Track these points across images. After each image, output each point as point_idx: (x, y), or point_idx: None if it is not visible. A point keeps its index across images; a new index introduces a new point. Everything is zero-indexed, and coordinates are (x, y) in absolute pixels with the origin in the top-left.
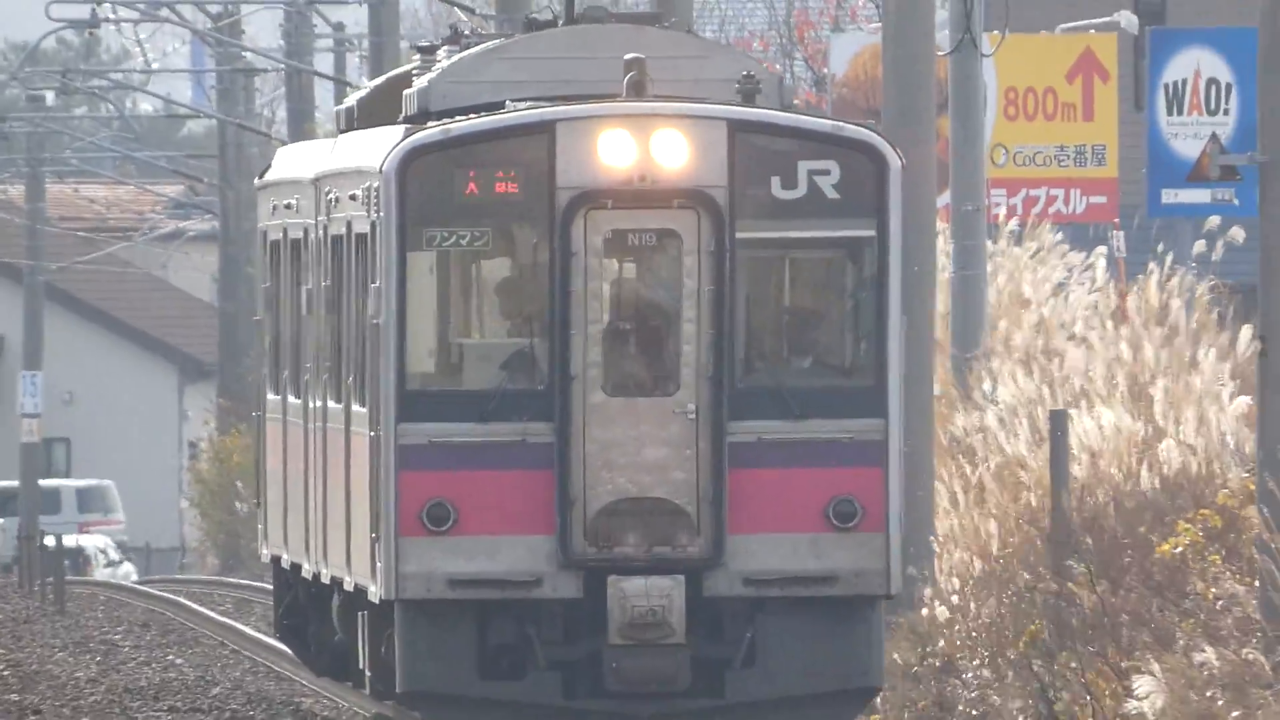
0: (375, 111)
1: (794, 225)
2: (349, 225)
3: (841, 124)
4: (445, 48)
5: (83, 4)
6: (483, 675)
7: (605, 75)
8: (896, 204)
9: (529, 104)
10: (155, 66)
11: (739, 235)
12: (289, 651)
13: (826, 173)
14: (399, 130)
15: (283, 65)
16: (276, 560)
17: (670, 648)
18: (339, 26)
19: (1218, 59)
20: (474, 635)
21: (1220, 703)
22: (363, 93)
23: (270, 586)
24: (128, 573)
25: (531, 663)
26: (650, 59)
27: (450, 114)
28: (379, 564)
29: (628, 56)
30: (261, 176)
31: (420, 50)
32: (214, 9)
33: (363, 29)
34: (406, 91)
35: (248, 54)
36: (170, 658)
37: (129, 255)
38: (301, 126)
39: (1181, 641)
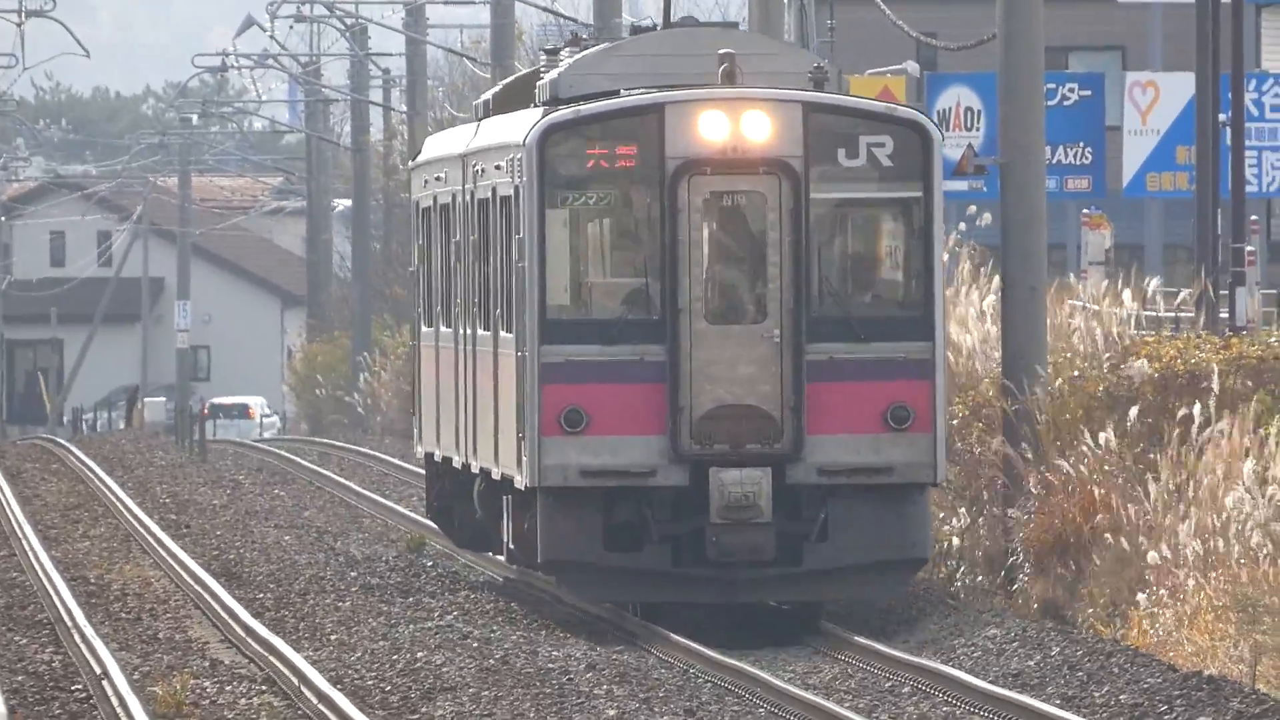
0: (507, 103)
1: (857, 187)
2: (494, 190)
3: (894, 106)
4: (567, 49)
5: (216, 55)
6: (607, 547)
7: (699, 69)
8: (938, 170)
9: (640, 91)
10: (264, 98)
11: (813, 195)
12: (434, 526)
13: (882, 145)
14: (538, 112)
15: (348, 96)
16: (430, 456)
17: (760, 525)
18: (386, 71)
19: (972, 94)
20: (600, 515)
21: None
22: (496, 89)
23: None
24: (274, 422)
25: (647, 538)
26: (738, 54)
27: (576, 100)
28: (524, 458)
29: (720, 51)
30: (413, 160)
31: (546, 52)
32: (303, 59)
33: (401, 72)
34: (539, 82)
35: (325, 89)
36: (276, 491)
37: (247, 224)
38: (359, 138)
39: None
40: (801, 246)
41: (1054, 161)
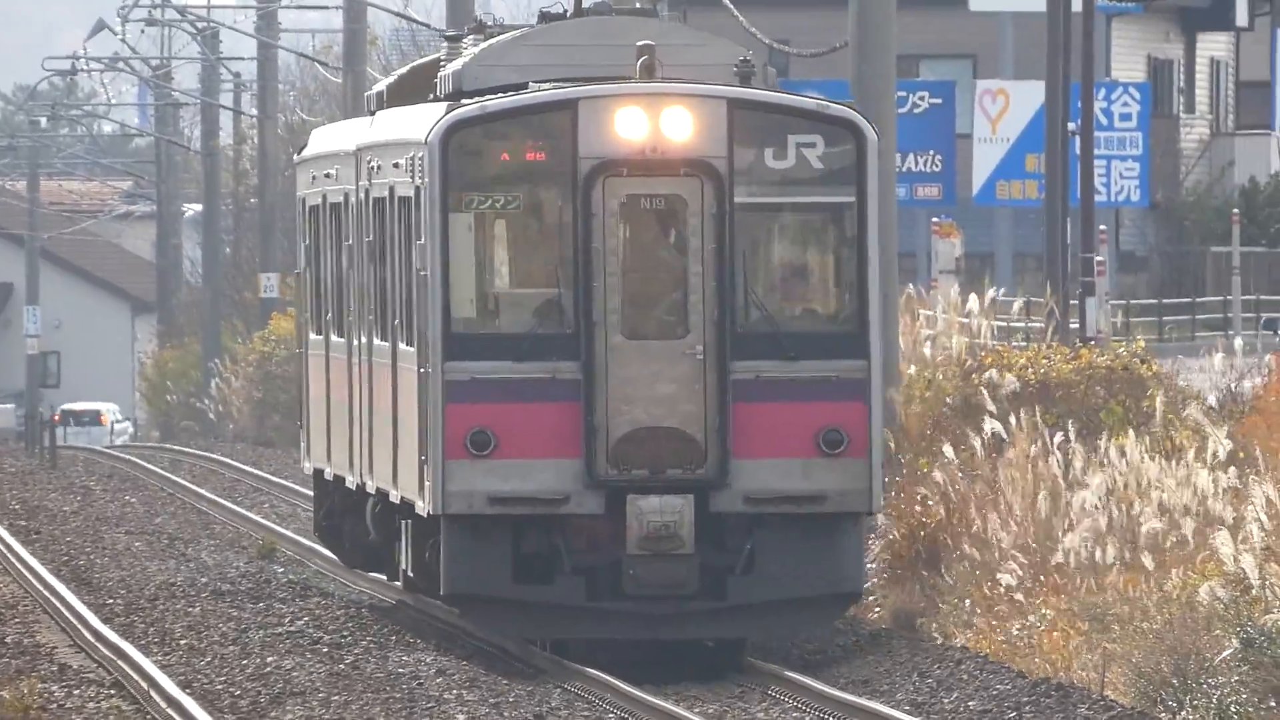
0: (403, 94)
1: (785, 191)
2: (391, 190)
3: (826, 103)
4: (471, 36)
5: (66, 58)
6: (516, 580)
7: (615, 60)
8: (873, 173)
9: (552, 84)
10: (114, 101)
11: (737, 200)
12: (326, 551)
13: (813, 145)
14: (441, 107)
15: (199, 100)
16: (319, 473)
17: (681, 557)
18: (237, 75)
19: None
20: (509, 545)
21: None
22: (390, 80)
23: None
24: (126, 428)
25: (559, 569)
26: (658, 45)
27: (481, 93)
28: (428, 483)
29: (639, 43)
30: (299, 153)
31: (448, 39)
32: (154, 63)
33: (252, 76)
34: (441, 73)
35: (176, 93)
36: (127, 497)
37: (97, 229)
38: (210, 142)
39: None
40: (726, 255)
41: (904, 169)
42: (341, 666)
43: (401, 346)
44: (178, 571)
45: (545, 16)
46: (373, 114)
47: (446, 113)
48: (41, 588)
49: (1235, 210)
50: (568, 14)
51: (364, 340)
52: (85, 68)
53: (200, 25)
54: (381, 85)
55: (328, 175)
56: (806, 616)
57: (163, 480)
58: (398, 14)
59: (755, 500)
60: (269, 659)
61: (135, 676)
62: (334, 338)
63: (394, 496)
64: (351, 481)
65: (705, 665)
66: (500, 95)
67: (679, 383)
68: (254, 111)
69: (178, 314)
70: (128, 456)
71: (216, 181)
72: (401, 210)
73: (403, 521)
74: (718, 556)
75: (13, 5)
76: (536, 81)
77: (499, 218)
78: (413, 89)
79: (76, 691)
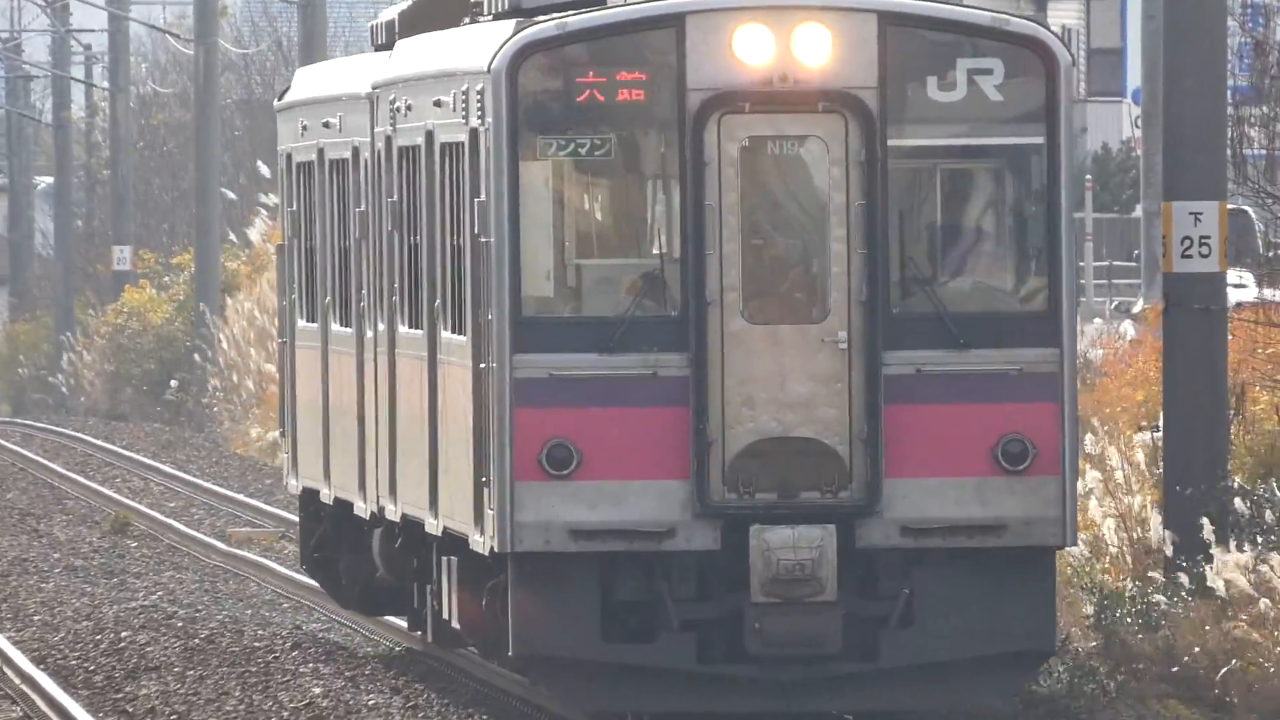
0: (425, 21)
1: (953, 131)
2: (429, 135)
3: (1005, 16)
4: None
5: None
6: (607, 637)
7: None
8: (1068, 107)
9: None
10: None
11: (891, 143)
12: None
13: (989, 72)
14: (504, 26)
15: (50, 73)
16: (312, 494)
17: (820, 605)
18: (88, 47)
19: None
20: (598, 593)
21: None
22: (402, 6)
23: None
24: None
25: (663, 623)
26: None
27: (546, 11)
28: (490, 511)
29: None
30: (281, 98)
31: None
32: (3, 35)
33: (104, 48)
34: None
35: (26, 65)
36: None
37: None
38: (61, 115)
39: None
40: (877, 215)
41: None
42: (196, 641)
43: (445, 335)
44: (30, 547)
45: None
46: (387, 47)
47: (515, 32)
48: None
49: (1088, 177)
50: None
51: (383, 328)
52: None
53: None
54: (392, 13)
55: (326, 124)
56: (984, 682)
57: (14, 455)
58: None
59: (915, 531)
60: (124, 634)
61: None
62: (335, 326)
63: (432, 527)
64: (363, 507)
65: None
66: (580, 11)
67: (816, 380)
68: (106, 84)
69: (30, 287)
70: None
71: (68, 154)
72: (448, 161)
73: (445, 559)
74: (867, 605)
75: None
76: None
77: (585, 168)
78: (437, 14)
79: None
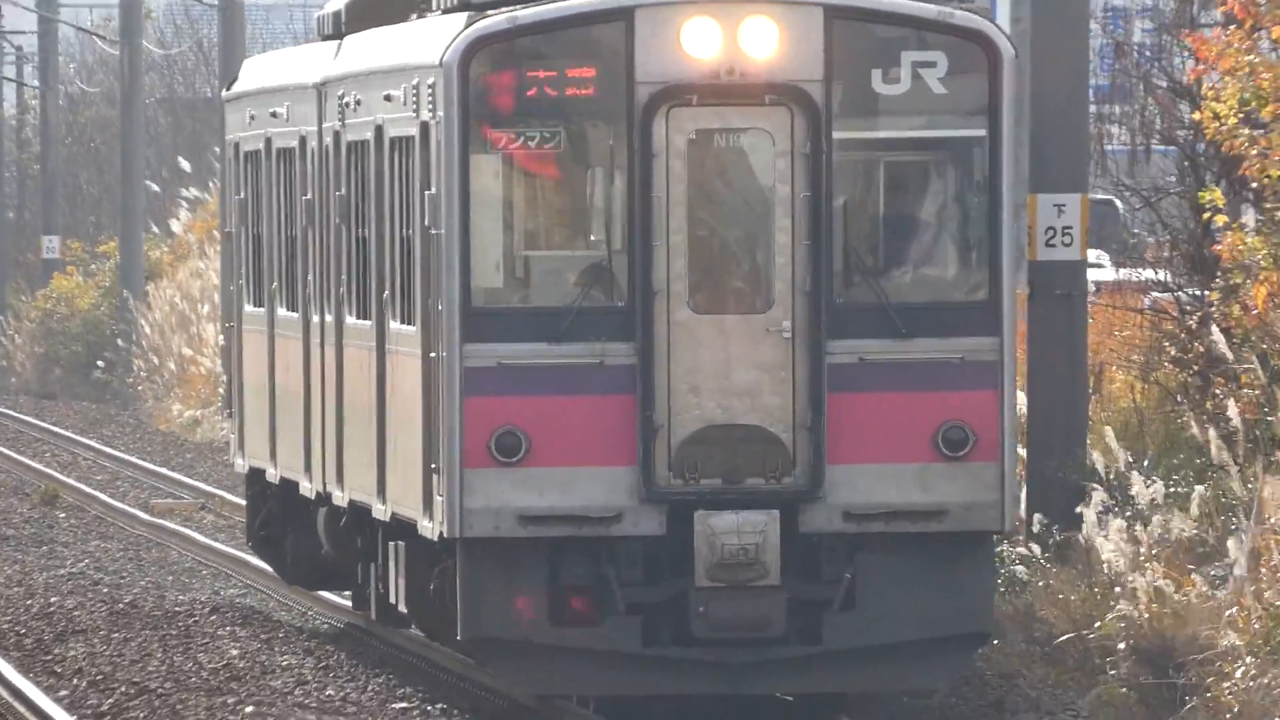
0: (372, 13)
1: (898, 124)
2: (379, 129)
3: (950, 9)
4: None
5: None
6: (555, 621)
7: None
8: (1010, 100)
9: None
10: None
11: (836, 135)
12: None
13: (933, 65)
14: (455, 20)
15: None
16: (259, 473)
17: (763, 590)
18: (19, 48)
19: None
20: (545, 577)
21: None
22: None
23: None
24: None
25: (609, 607)
26: None
27: (493, 5)
28: (439, 497)
29: None
30: (229, 88)
31: None
32: None
33: (34, 49)
34: None
35: None
36: None
37: None
38: None
39: None
40: (822, 206)
41: None
42: (121, 605)
43: (394, 325)
44: None
45: None
46: (334, 37)
47: (466, 26)
48: None
49: None
50: None
51: (329, 316)
52: None
53: None
54: (337, 3)
55: (274, 114)
56: (924, 664)
57: None
58: None
59: (857, 517)
60: (53, 599)
61: None
62: (282, 311)
63: (380, 512)
64: (309, 488)
65: None
66: (530, 5)
67: (760, 368)
68: (36, 83)
69: None
70: None
71: (0, 149)
72: (398, 154)
73: (392, 543)
74: (810, 589)
75: None
76: None
77: (534, 161)
78: (384, 6)
79: None
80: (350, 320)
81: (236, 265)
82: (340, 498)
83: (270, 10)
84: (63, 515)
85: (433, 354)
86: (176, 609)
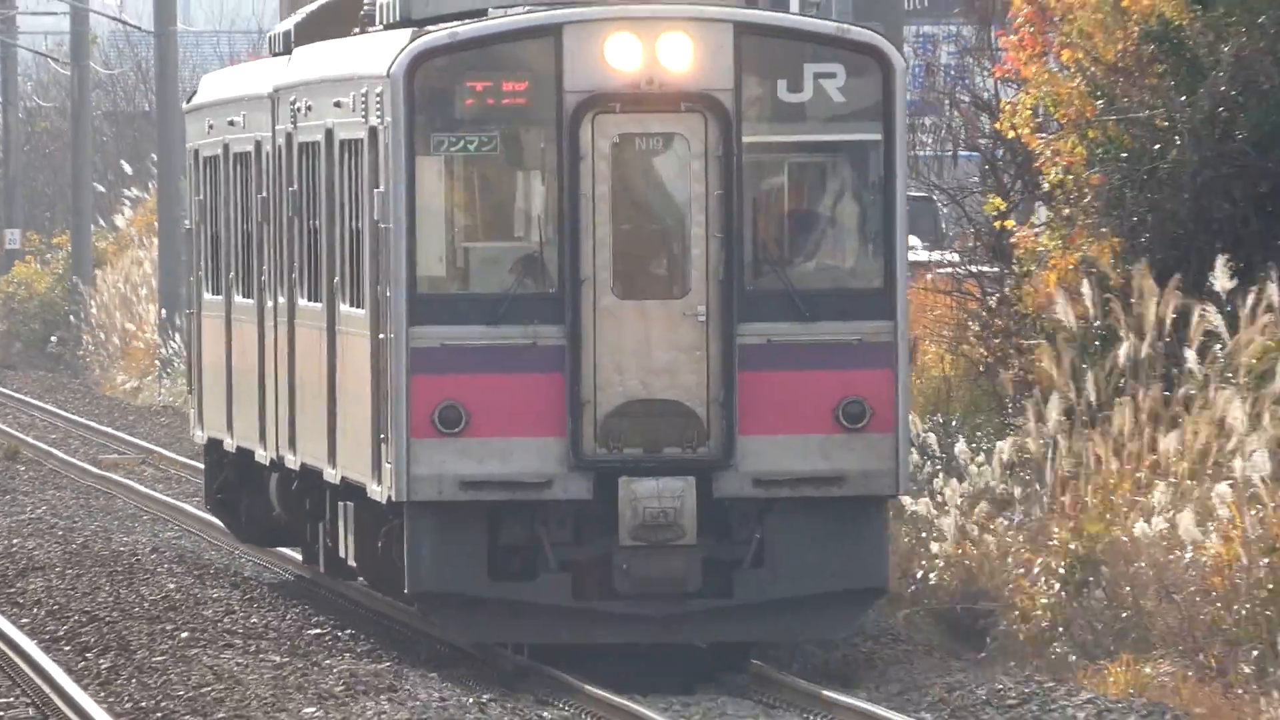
0: (318, 31)
1: (800, 129)
2: (329, 132)
3: (846, 26)
4: None
5: None
6: (493, 576)
7: None
8: (902, 107)
9: (524, 9)
10: None
11: (745, 139)
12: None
13: (832, 75)
14: (400, 35)
15: None
16: (216, 443)
17: (681, 549)
18: None
19: None
20: (484, 537)
21: None
22: (297, 17)
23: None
24: None
25: (542, 564)
26: None
27: (430, 21)
28: (388, 465)
29: None
30: (189, 100)
31: None
32: None
33: None
34: (380, 1)
35: None
36: None
37: None
38: None
39: None
40: (733, 202)
41: None
42: (74, 546)
43: (344, 308)
44: None
45: None
46: (285, 53)
47: (411, 40)
48: None
49: None
50: None
51: (282, 301)
52: None
53: None
54: (287, 24)
55: (231, 122)
56: (825, 616)
57: None
58: (114, 18)
59: (765, 483)
60: (14, 541)
61: None
62: (238, 298)
63: (330, 476)
64: (263, 456)
65: (705, 674)
66: (467, 21)
67: (678, 349)
68: None
69: None
70: None
71: None
72: (346, 155)
73: (342, 504)
74: (723, 548)
75: None
76: (497, 6)
77: (473, 161)
78: (329, 24)
79: None
80: (302, 303)
81: (196, 258)
82: (293, 462)
83: (199, 36)
84: (23, 469)
85: (381, 335)
86: (121, 549)
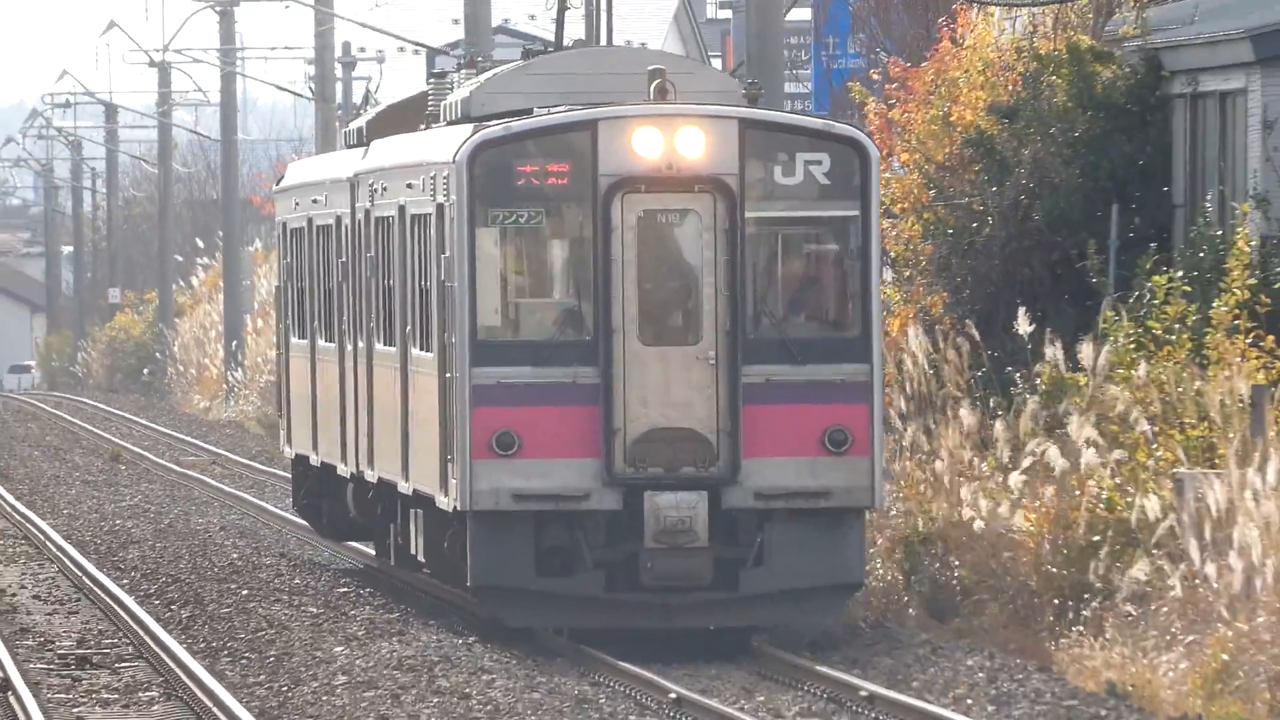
0: (387, 128)
1: (793, 206)
2: (401, 209)
3: (831, 123)
4: (462, 71)
5: None
6: (539, 573)
7: (610, 87)
8: (876, 188)
9: (566, 107)
10: (18, 186)
11: (748, 214)
12: (305, 523)
13: (819, 163)
14: (463, 129)
15: (70, 185)
16: (303, 458)
17: (695, 550)
18: (93, 169)
19: None
20: (532, 540)
21: None
22: (367, 117)
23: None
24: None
25: (580, 563)
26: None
27: (487, 118)
28: (453, 480)
29: (651, 67)
30: (279, 183)
31: (435, 76)
32: (41, 161)
33: (103, 169)
34: (445, 101)
35: (57, 181)
36: (28, 425)
37: (8, 262)
38: (78, 210)
39: None
40: (737, 266)
41: None
42: (161, 526)
43: (415, 352)
44: (60, 469)
45: (527, 53)
46: (361, 146)
47: (473, 133)
48: None
49: None
50: (549, 50)
51: (361, 345)
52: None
53: (69, 138)
54: (360, 122)
55: (314, 201)
56: (813, 606)
57: (50, 414)
58: (190, 130)
59: (765, 496)
60: (117, 522)
61: (36, 532)
62: (321, 342)
63: (404, 488)
64: (344, 470)
65: (715, 652)
66: (519, 117)
67: (693, 386)
68: (104, 190)
69: (58, 313)
70: (27, 400)
71: (82, 235)
72: (416, 227)
73: (413, 511)
74: (730, 550)
75: None
76: (540, 107)
77: (523, 232)
78: (397, 122)
79: (3, 543)
80: (379, 347)
81: (284, 310)
82: (371, 476)
83: (254, 143)
84: (123, 467)
85: (448, 374)
86: (197, 527)
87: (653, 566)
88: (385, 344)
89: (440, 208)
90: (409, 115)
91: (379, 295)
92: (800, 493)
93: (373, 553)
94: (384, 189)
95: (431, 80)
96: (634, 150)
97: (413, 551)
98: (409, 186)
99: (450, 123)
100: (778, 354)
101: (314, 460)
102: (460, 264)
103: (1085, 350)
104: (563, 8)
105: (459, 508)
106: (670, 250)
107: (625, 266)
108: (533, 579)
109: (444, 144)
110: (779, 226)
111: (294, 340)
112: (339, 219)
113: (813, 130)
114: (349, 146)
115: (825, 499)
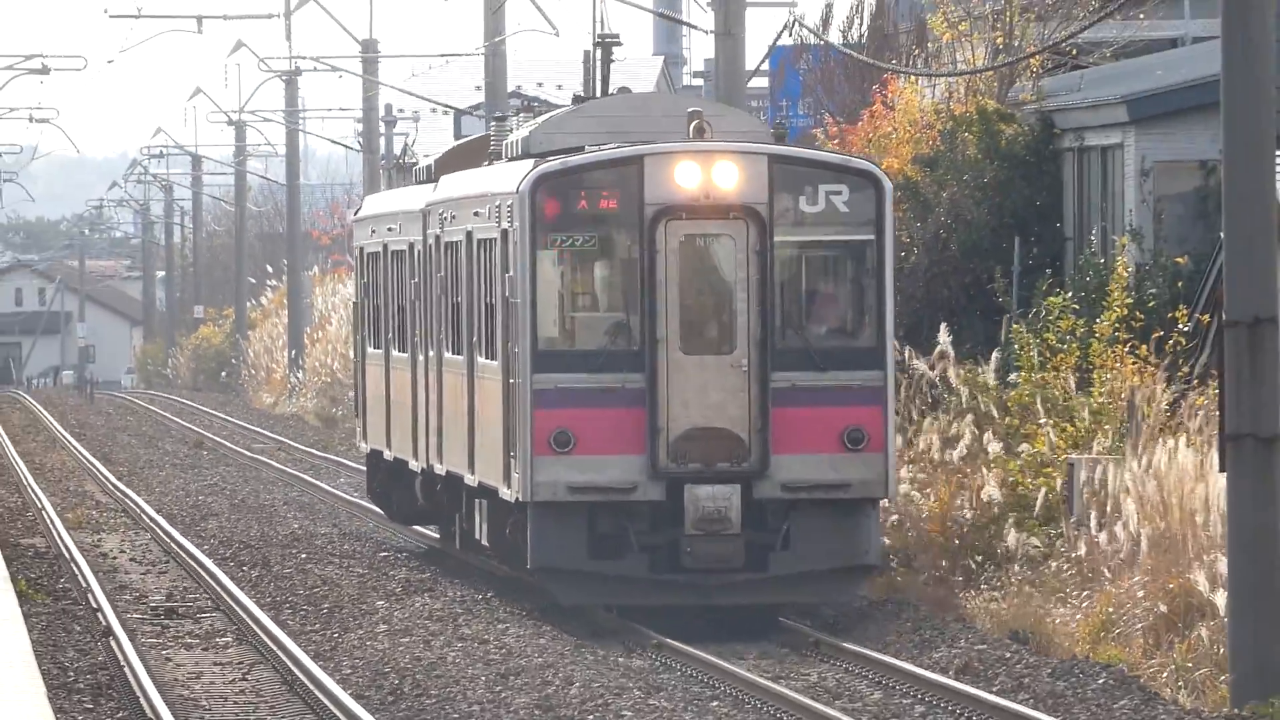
0: (454, 165)
1: (816, 231)
2: (469, 234)
3: (849, 158)
4: (520, 115)
5: (97, 202)
6: (591, 555)
7: (650, 128)
8: (889, 215)
9: (614, 145)
10: (121, 223)
11: (776, 238)
12: (376, 509)
13: (839, 193)
14: (524, 164)
15: (161, 221)
16: (377, 453)
17: (730, 536)
18: (182, 209)
19: None
20: (585, 527)
21: None
22: (437, 157)
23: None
24: (134, 380)
25: (628, 547)
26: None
27: (544, 155)
28: (515, 474)
29: (690, 109)
30: (356, 214)
31: (496, 119)
32: (141, 202)
33: (190, 209)
34: (508, 139)
35: (154, 219)
36: (128, 418)
37: (113, 283)
38: (170, 243)
39: None
40: (767, 284)
41: None
42: (237, 500)
43: (481, 360)
44: (153, 454)
45: (577, 99)
46: (430, 182)
47: (534, 168)
48: (85, 462)
49: None
50: (596, 96)
51: (432, 354)
52: (109, 206)
53: (163, 184)
54: (429, 161)
55: (390, 229)
56: (834, 585)
57: (145, 409)
58: (261, 176)
59: (791, 488)
60: (200, 498)
61: (132, 505)
62: (395, 352)
63: (470, 480)
64: (415, 465)
65: (745, 627)
66: (572, 153)
67: (727, 391)
68: (190, 225)
69: (153, 326)
70: (128, 398)
71: (173, 260)
72: (482, 250)
73: (478, 500)
74: (760, 536)
75: (72, 170)
76: (591, 145)
77: (578, 254)
78: (462, 160)
79: (104, 514)
80: (448, 355)
81: (359, 323)
82: (440, 469)
83: (314, 186)
84: (205, 453)
85: (512, 380)
86: (265, 502)
87: (692, 551)
88: (453, 353)
89: (505, 233)
90: (470, 155)
91: (448, 310)
92: (822, 485)
93: (436, 536)
94: (453, 217)
95: (494, 123)
96: (676, 182)
97: (477, 536)
98: (476, 215)
99: (512, 159)
100: (802, 362)
101: (387, 455)
102: (523, 282)
103: (994, 357)
104: (608, 59)
105: (521, 498)
106: (708, 270)
107: (668, 284)
108: (585, 561)
109: (508, 177)
110: (804, 249)
111: (370, 350)
112: (412, 245)
113: (833, 165)
114: (418, 183)
115: (845, 490)
